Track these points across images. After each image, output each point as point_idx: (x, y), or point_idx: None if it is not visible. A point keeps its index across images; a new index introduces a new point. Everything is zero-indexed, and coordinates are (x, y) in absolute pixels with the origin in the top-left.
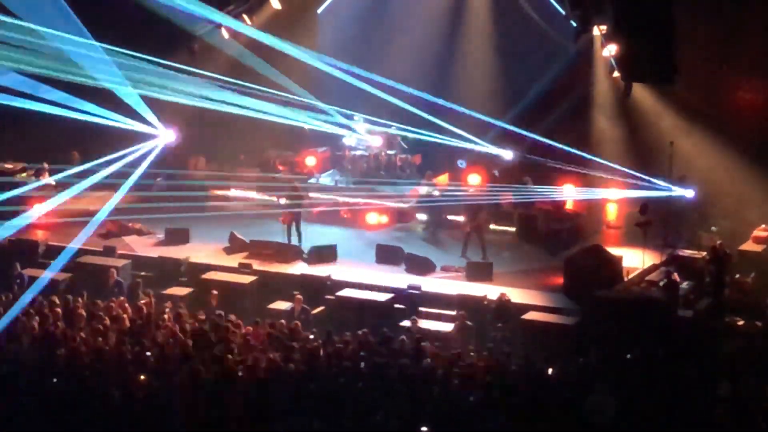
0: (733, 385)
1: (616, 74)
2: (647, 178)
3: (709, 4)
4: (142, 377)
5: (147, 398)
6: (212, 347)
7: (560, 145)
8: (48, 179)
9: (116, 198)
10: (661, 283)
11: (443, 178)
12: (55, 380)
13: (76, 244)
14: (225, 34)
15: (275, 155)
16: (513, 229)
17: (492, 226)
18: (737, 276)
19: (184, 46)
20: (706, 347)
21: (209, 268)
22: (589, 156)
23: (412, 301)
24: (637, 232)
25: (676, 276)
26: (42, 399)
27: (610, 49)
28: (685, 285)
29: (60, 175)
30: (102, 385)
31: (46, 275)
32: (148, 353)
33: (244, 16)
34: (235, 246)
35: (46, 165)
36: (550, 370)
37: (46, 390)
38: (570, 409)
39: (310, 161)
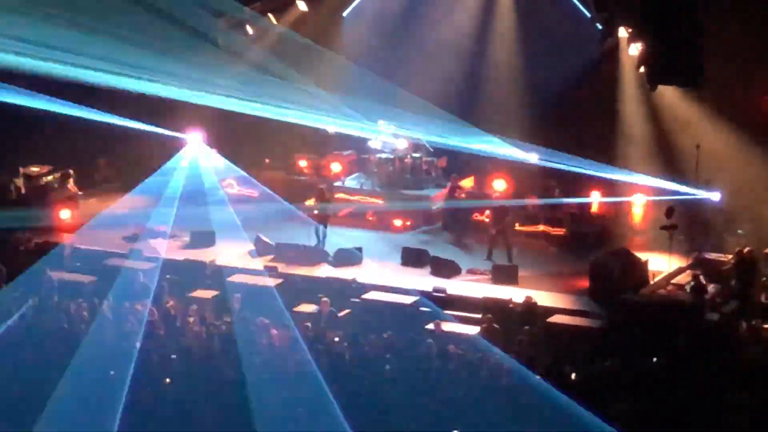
0: (755, 390)
1: (641, 69)
2: (674, 181)
3: (738, 5)
4: (167, 380)
5: (173, 401)
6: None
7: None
8: (73, 188)
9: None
10: (689, 286)
11: (469, 182)
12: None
13: (102, 246)
14: (249, 30)
15: (301, 158)
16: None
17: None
18: (764, 279)
19: (207, 40)
20: (730, 351)
21: (235, 270)
22: (615, 160)
23: (439, 303)
24: (664, 235)
25: (702, 279)
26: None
27: (636, 48)
28: (711, 288)
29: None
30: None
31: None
32: (173, 356)
33: (270, 15)
34: (260, 249)
35: (71, 171)
36: (573, 375)
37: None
38: (593, 413)
39: (336, 167)
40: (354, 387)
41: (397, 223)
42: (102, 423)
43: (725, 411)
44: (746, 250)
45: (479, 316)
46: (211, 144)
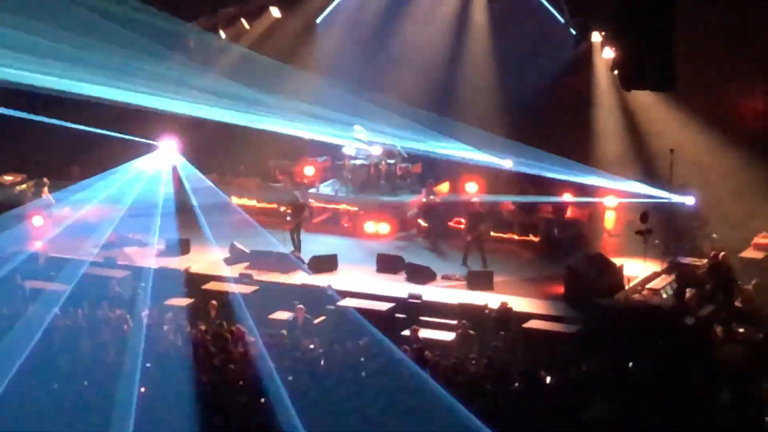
0: (734, 393)
1: (615, 72)
2: (648, 185)
3: (712, 10)
4: (142, 389)
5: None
6: (213, 357)
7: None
8: (48, 196)
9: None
10: (664, 291)
11: (444, 187)
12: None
13: (76, 255)
14: (222, 35)
15: (275, 165)
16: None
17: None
18: (738, 283)
19: (179, 42)
20: (706, 354)
21: (210, 278)
22: (589, 164)
23: (414, 310)
24: (638, 240)
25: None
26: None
27: (611, 51)
28: (687, 292)
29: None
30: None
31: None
32: (148, 365)
33: (243, 21)
34: (235, 256)
35: (45, 180)
36: (548, 379)
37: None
38: (570, 418)
39: (310, 171)
40: (330, 394)
41: (372, 229)
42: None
43: (702, 414)
44: (721, 254)
45: (455, 322)
46: (184, 151)
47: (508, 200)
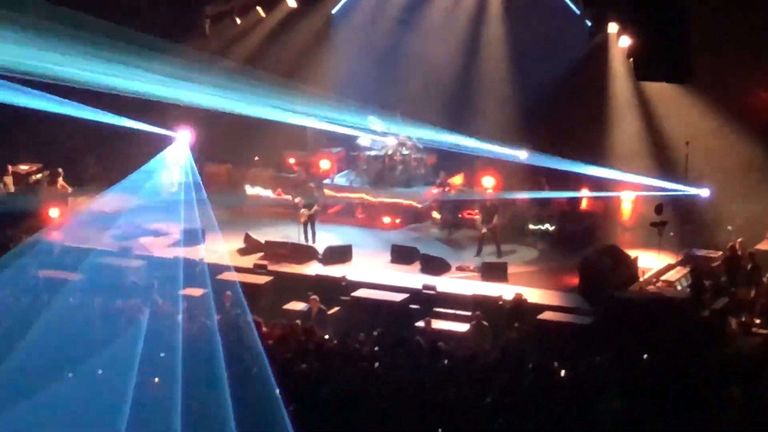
0: (746, 386)
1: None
2: (663, 178)
3: (729, 1)
4: (156, 379)
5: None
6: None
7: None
8: (63, 186)
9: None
10: (683, 283)
11: (458, 179)
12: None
13: (91, 244)
14: (237, 21)
15: (290, 156)
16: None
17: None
18: (758, 270)
19: (194, 28)
20: (721, 347)
21: (224, 268)
22: (604, 157)
23: (428, 301)
24: (653, 232)
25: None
26: None
27: (627, 40)
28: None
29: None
30: None
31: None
32: (162, 354)
33: (259, 9)
34: (250, 247)
35: (60, 171)
36: (562, 371)
37: None
38: (583, 411)
39: (325, 162)
40: (344, 385)
41: (387, 220)
42: (93, 422)
43: (715, 407)
44: (738, 241)
45: (469, 313)
46: (198, 141)
47: (523, 196)
